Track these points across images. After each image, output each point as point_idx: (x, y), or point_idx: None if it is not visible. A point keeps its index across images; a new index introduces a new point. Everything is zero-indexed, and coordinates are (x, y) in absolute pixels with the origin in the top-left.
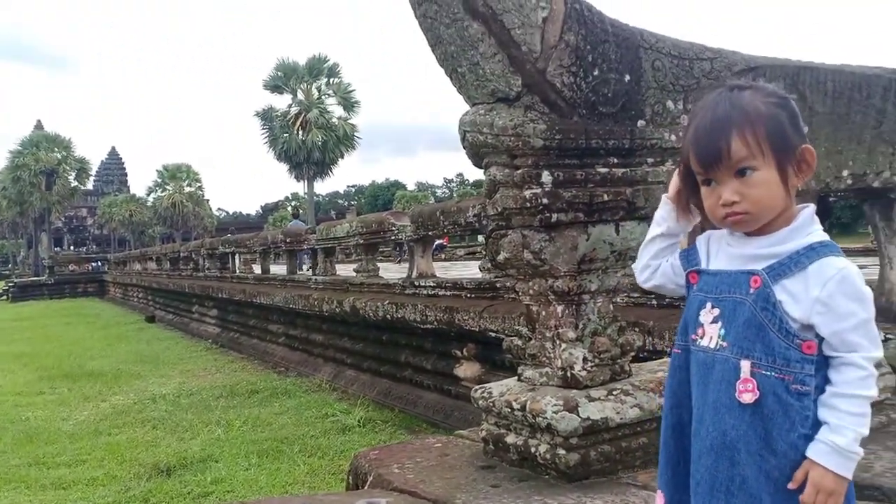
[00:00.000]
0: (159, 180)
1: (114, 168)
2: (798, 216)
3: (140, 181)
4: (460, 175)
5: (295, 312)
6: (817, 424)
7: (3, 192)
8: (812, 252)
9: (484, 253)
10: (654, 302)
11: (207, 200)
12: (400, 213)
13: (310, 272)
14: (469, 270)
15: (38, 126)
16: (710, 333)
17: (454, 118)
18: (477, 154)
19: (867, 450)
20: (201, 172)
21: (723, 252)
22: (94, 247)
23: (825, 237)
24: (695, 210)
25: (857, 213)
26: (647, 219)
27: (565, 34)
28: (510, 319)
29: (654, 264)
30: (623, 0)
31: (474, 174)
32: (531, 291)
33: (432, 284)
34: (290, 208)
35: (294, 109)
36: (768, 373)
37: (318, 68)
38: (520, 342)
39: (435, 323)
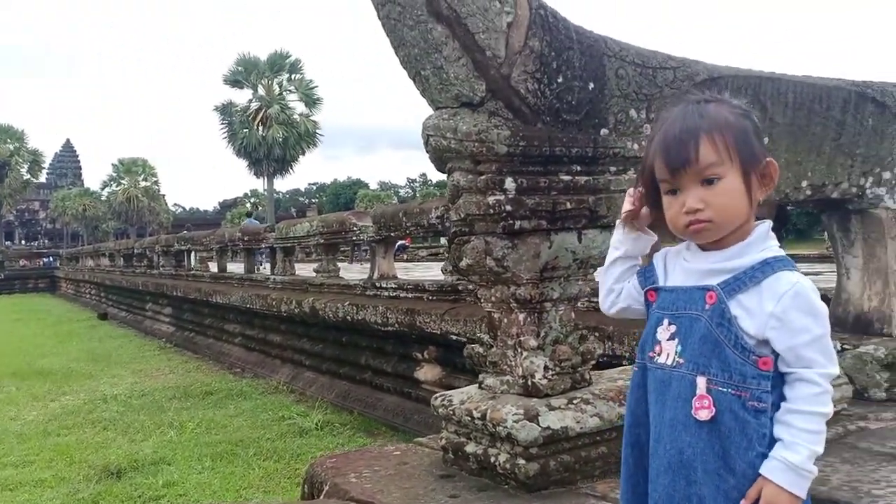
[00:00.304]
0: (114, 174)
1: (68, 161)
2: (753, 231)
3: (95, 175)
4: (424, 175)
5: (252, 312)
6: (774, 442)
7: None
8: (766, 267)
9: (447, 254)
10: None
11: (164, 196)
12: (362, 213)
13: (268, 271)
14: (431, 272)
15: None
16: (667, 350)
17: (418, 119)
18: (440, 159)
19: (824, 462)
20: (158, 167)
21: (679, 268)
22: (47, 241)
23: (780, 252)
24: (650, 231)
25: (813, 220)
26: (609, 227)
27: (530, 40)
28: (472, 322)
29: (618, 288)
30: (589, 6)
31: (438, 175)
32: (493, 298)
33: (394, 286)
34: (248, 205)
35: (254, 105)
36: (725, 389)
37: (280, 64)
38: (481, 349)
39: (396, 325)
